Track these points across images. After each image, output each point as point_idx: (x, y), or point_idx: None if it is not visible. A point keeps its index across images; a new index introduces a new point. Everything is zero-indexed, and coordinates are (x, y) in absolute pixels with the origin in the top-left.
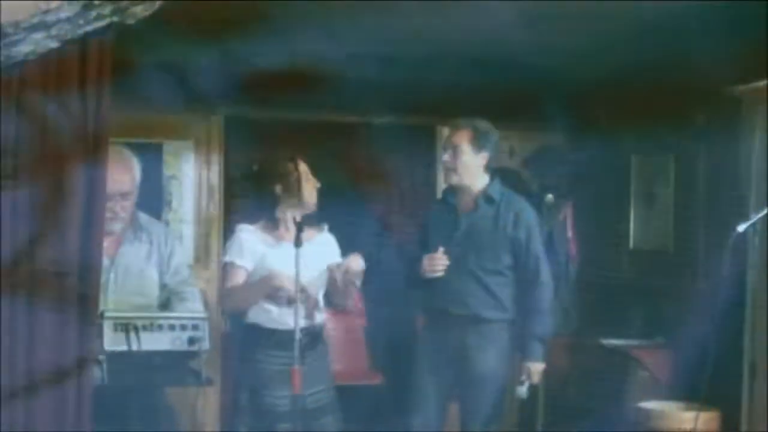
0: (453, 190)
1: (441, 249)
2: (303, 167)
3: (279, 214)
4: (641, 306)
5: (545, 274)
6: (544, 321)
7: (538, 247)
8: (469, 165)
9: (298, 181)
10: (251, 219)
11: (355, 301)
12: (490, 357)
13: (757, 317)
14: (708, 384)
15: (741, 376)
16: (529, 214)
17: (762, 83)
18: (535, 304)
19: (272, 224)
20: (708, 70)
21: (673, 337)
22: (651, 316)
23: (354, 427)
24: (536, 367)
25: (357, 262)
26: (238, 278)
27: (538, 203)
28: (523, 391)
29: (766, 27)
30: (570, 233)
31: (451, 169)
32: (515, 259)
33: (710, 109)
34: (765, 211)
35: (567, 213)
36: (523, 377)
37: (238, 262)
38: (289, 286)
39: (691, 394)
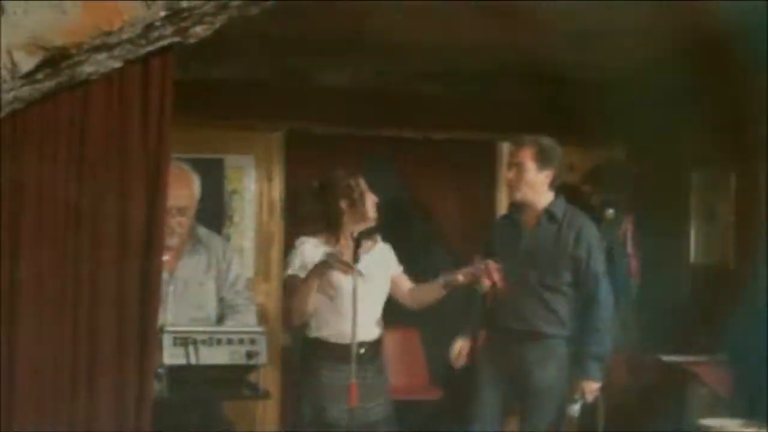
0: (517, 207)
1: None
2: (363, 183)
3: (343, 228)
4: (702, 322)
5: (604, 292)
6: (602, 340)
7: (598, 265)
8: (533, 182)
9: (362, 196)
10: (313, 233)
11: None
12: (549, 372)
13: None
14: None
15: None
16: (590, 232)
17: None
18: (592, 323)
19: (334, 238)
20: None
21: (733, 353)
22: (712, 333)
23: None
24: (590, 386)
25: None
26: (298, 290)
27: (598, 219)
28: (575, 409)
29: None
30: (630, 249)
31: (514, 187)
32: (575, 276)
33: None
34: None
35: (627, 228)
36: (577, 395)
37: (301, 275)
38: (342, 279)
39: (752, 411)
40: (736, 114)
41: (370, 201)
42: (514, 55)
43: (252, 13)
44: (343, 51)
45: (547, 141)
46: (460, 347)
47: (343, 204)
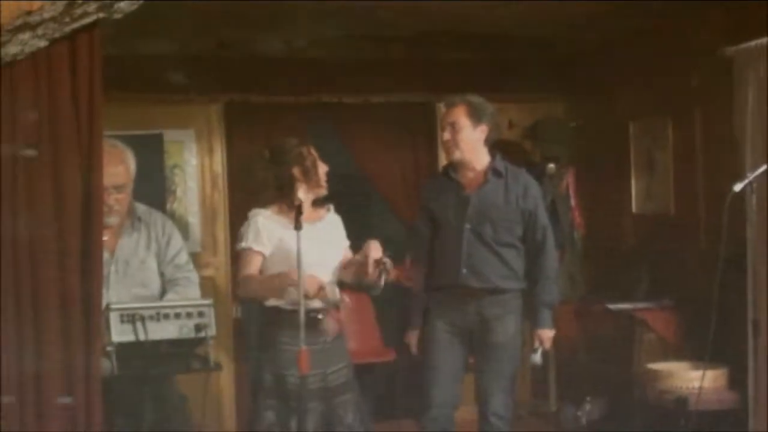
0: (454, 167)
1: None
2: (314, 151)
3: (296, 196)
4: (646, 270)
5: (551, 243)
6: (552, 288)
7: (544, 217)
8: (470, 140)
9: (314, 163)
10: (264, 203)
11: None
12: (508, 326)
13: (757, 274)
14: (713, 342)
15: (746, 334)
16: (533, 185)
17: (751, 43)
18: (543, 273)
19: (287, 207)
20: (699, 32)
21: (678, 298)
22: (656, 279)
23: (372, 404)
24: (547, 334)
25: (377, 250)
26: (255, 264)
27: (540, 173)
28: (537, 357)
29: None
30: (573, 201)
31: (452, 146)
32: (524, 230)
33: (703, 71)
34: (761, 169)
35: (569, 181)
36: (536, 344)
37: (256, 247)
38: (307, 282)
39: (698, 354)
40: (669, 63)
41: (322, 170)
42: (448, 15)
43: None
44: (275, 20)
45: (475, 98)
46: (411, 338)
47: (296, 171)
